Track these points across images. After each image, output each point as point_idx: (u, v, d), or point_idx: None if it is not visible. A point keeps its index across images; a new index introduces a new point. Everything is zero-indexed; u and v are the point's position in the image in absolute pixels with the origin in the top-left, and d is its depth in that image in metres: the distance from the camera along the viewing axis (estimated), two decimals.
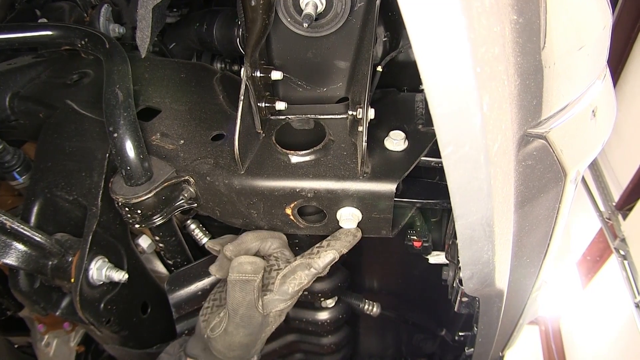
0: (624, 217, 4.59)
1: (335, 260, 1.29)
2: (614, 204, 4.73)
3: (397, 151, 1.30)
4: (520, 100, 0.94)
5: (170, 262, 1.69)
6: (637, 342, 4.05)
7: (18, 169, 1.70)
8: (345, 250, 1.29)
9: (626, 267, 4.36)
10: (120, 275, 1.41)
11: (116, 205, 1.33)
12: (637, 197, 4.35)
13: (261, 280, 1.26)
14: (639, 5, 4.24)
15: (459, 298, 1.60)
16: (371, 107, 1.20)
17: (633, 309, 4.14)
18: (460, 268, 1.18)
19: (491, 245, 1.01)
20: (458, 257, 1.10)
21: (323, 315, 2.03)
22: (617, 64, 4.61)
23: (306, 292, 1.80)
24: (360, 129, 1.20)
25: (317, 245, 1.33)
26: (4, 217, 1.28)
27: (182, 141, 1.39)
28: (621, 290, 4.35)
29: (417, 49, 0.65)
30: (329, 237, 1.33)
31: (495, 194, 0.88)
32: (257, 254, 1.38)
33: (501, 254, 1.09)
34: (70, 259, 1.39)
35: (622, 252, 4.45)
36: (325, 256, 1.28)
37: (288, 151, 1.29)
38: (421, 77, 0.69)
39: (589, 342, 5.64)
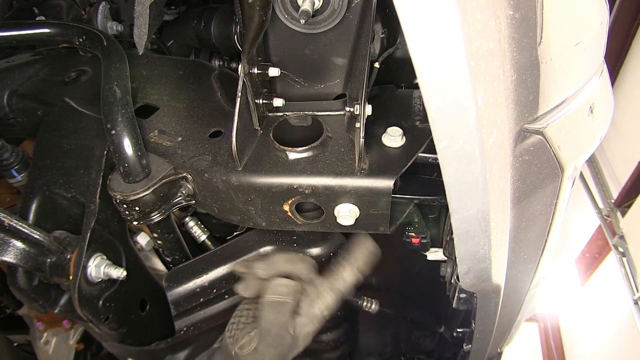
0: (623, 214, 4.59)
1: (359, 280, 1.31)
2: (612, 201, 4.73)
3: (395, 147, 1.30)
4: (517, 96, 0.94)
5: (168, 259, 1.69)
6: (636, 338, 4.06)
7: (16, 167, 1.70)
8: (362, 265, 1.32)
9: (625, 264, 4.36)
10: (119, 273, 1.41)
11: (114, 202, 1.33)
12: (635, 194, 4.34)
13: (296, 303, 1.30)
14: (638, 2, 4.24)
15: (456, 294, 1.60)
16: (368, 104, 1.20)
17: (632, 306, 4.15)
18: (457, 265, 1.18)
19: (487, 240, 1.01)
20: (455, 253, 1.10)
21: None
22: (615, 61, 4.61)
23: None
24: (357, 125, 1.21)
25: (338, 264, 1.35)
26: (3, 214, 1.29)
27: (179, 138, 1.40)
28: (620, 287, 4.35)
29: (411, 43, 0.66)
30: (347, 256, 1.35)
31: (491, 188, 0.89)
32: (288, 277, 1.41)
33: (498, 249, 1.09)
34: (68, 256, 1.40)
35: (620, 249, 4.45)
36: (349, 277, 1.32)
37: (286, 148, 1.29)
38: (415, 70, 0.69)
39: (588, 339, 5.64)
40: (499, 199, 0.96)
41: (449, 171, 0.84)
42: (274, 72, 1.35)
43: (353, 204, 1.26)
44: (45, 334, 2.10)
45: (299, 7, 1.25)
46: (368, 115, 1.20)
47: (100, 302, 1.46)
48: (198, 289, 1.61)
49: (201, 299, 1.63)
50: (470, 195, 0.88)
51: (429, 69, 0.68)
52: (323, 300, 1.32)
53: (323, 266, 1.51)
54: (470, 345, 1.97)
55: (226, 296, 1.66)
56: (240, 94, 1.23)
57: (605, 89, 1.39)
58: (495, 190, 0.92)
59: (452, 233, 1.03)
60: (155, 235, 1.60)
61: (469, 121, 0.74)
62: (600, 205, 4.83)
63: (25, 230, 1.32)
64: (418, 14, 0.63)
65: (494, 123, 0.82)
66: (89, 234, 1.37)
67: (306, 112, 1.41)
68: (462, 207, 0.91)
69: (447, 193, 0.88)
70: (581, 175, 5.02)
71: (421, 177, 1.52)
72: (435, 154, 1.32)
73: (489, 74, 0.76)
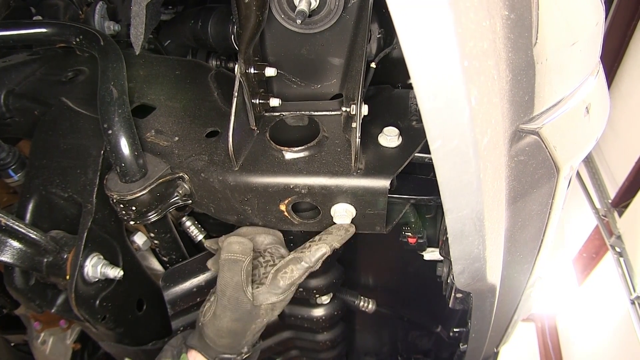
0: (620, 214, 4.59)
1: (327, 255, 1.29)
2: (609, 201, 4.73)
3: (391, 147, 1.31)
4: (512, 96, 0.95)
5: (165, 258, 1.69)
6: (633, 338, 4.06)
7: (13, 167, 1.71)
8: (337, 245, 1.30)
9: (622, 264, 4.36)
10: (116, 272, 1.41)
11: (111, 202, 1.33)
12: (633, 195, 4.34)
13: (250, 263, 1.27)
14: (635, 3, 4.25)
15: (453, 294, 1.60)
16: (365, 104, 1.20)
17: (629, 306, 4.15)
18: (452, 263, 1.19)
19: (482, 240, 1.01)
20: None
21: (318, 312, 2.04)
22: (613, 61, 4.62)
23: (301, 289, 1.81)
24: (354, 125, 1.21)
25: (310, 240, 1.33)
26: None
27: (176, 138, 1.40)
28: (617, 287, 4.35)
29: (403, 43, 0.66)
30: (321, 232, 1.33)
31: (485, 188, 0.89)
32: None
33: (492, 249, 1.09)
34: (65, 256, 1.40)
35: (617, 249, 4.45)
36: (317, 250, 1.28)
37: (282, 147, 1.29)
38: (409, 70, 0.69)
39: (585, 339, 5.65)
40: (493, 199, 0.97)
41: (443, 171, 0.84)
42: (270, 72, 1.35)
43: (349, 203, 1.26)
44: (42, 334, 2.09)
45: (296, 7, 1.25)
46: (364, 115, 1.20)
47: (97, 302, 1.46)
48: (195, 289, 1.61)
49: (198, 299, 1.63)
50: (465, 195, 0.88)
51: (422, 69, 0.68)
52: (287, 270, 1.30)
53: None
54: (466, 345, 1.97)
55: None
56: (236, 94, 1.23)
57: (602, 89, 1.39)
58: (489, 190, 0.92)
59: (447, 233, 1.03)
60: (152, 235, 1.60)
61: (463, 121, 0.74)
62: (598, 205, 4.83)
63: (22, 230, 1.32)
64: (410, 14, 0.64)
65: (488, 123, 0.83)
66: (85, 233, 1.38)
67: (303, 112, 1.41)
68: (456, 207, 0.91)
69: (441, 193, 0.89)
70: (578, 175, 5.03)
71: (418, 177, 1.52)
72: None
73: (483, 74, 0.76)
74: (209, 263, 1.44)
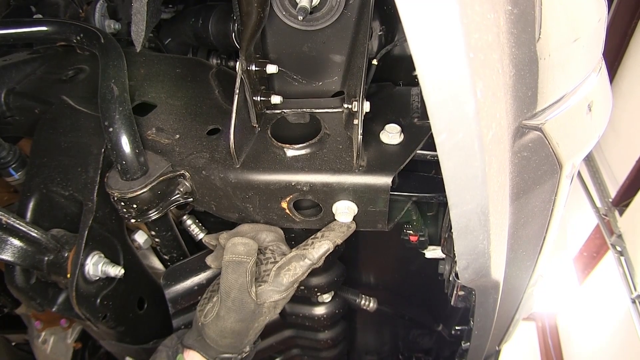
0: (621, 213, 4.60)
1: (330, 251, 1.29)
2: (610, 200, 4.73)
3: (393, 145, 1.30)
4: (515, 91, 0.94)
5: (166, 257, 1.69)
6: (633, 337, 4.06)
7: (14, 165, 1.70)
8: (339, 241, 1.30)
9: (622, 263, 4.37)
10: (117, 271, 1.41)
11: (112, 200, 1.33)
12: (633, 194, 4.35)
13: (254, 264, 1.27)
14: (636, 0, 4.25)
15: (455, 292, 1.60)
16: (366, 101, 1.20)
17: (629, 305, 4.15)
18: (456, 261, 1.18)
19: (486, 235, 1.01)
20: (454, 250, 1.10)
21: (319, 310, 2.03)
22: (614, 59, 4.62)
23: (302, 287, 1.80)
24: (355, 122, 1.20)
25: (312, 236, 1.33)
26: (0, 212, 1.28)
27: (177, 136, 1.39)
28: (618, 286, 4.36)
29: (409, 34, 0.65)
30: (323, 229, 1.33)
31: (490, 182, 0.88)
32: None
33: (496, 245, 1.09)
34: (66, 255, 1.39)
35: (618, 248, 4.46)
36: (320, 247, 1.28)
37: (284, 145, 1.29)
38: (414, 62, 0.68)
39: (586, 338, 5.65)
40: (498, 194, 0.96)
41: (448, 165, 0.84)
42: (271, 69, 1.35)
43: (351, 201, 1.26)
44: (43, 333, 2.09)
45: (297, 3, 1.25)
46: (366, 113, 1.20)
47: (98, 301, 1.45)
48: (196, 287, 1.61)
49: (199, 297, 1.62)
50: (470, 189, 0.87)
51: (428, 60, 0.68)
52: (290, 268, 1.30)
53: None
54: (468, 343, 1.97)
55: None
56: (238, 91, 1.23)
57: (604, 86, 1.39)
58: (494, 184, 0.91)
59: (450, 230, 1.03)
60: (153, 233, 1.59)
61: (468, 114, 0.74)
62: (598, 204, 4.83)
63: (23, 229, 1.32)
64: (417, 6, 0.63)
65: (493, 117, 0.82)
66: (86, 232, 1.37)
67: (304, 110, 1.41)
68: (461, 201, 0.90)
69: (446, 187, 0.88)
70: (579, 174, 5.03)
71: (419, 174, 1.52)
72: (434, 150, 1.33)
73: (488, 67, 0.76)
74: (209, 260, 1.43)
